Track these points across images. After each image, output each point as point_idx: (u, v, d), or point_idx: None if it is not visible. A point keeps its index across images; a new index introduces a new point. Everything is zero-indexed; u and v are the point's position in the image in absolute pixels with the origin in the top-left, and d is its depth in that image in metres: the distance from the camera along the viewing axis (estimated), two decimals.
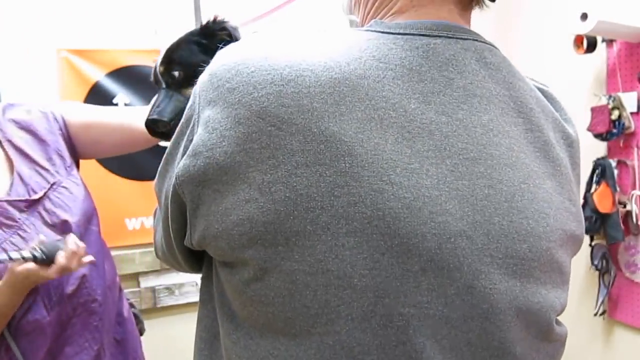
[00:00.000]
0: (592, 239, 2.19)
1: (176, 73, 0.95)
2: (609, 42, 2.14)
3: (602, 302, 2.23)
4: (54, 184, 1.09)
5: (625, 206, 2.11)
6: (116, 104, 2.15)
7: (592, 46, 2.09)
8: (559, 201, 0.53)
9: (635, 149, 2.08)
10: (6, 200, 1.03)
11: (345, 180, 0.42)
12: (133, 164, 2.11)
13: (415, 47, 0.49)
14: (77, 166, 1.21)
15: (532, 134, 0.52)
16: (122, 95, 2.15)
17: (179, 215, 0.52)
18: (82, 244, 1.04)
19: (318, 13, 2.39)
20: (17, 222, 1.03)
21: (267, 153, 0.43)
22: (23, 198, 1.04)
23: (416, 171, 0.44)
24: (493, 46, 0.55)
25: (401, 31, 0.50)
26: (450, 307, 0.45)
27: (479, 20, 2.72)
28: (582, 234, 0.57)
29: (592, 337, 2.40)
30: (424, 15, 0.53)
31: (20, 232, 1.03)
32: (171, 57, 0.96)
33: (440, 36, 0.51)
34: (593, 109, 2.14)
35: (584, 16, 1.92)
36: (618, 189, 2.10)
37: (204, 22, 0.97)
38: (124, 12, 2.17)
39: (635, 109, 2.05)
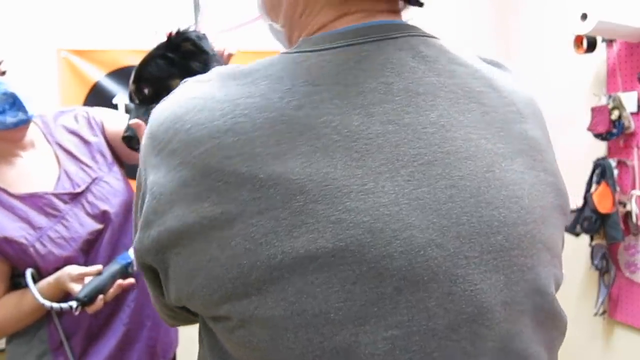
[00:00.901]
0: (592, 239, 2.19)
1: (145, 90, 0.99)
2: (609, 42, 2.14)
3: (602, 302, 2.23)
4: (95, 178, 1.22)
5: (625, 206, 2.11)
6: (116, 104, 2.15)
7: (592, 46, 2.09)
8: (533, 176, 0.51)
9: (635, 149, 2.08)
10: (52, 194, 1.15)
11: (301, 219, 0.41)
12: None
13: (347, 60, 0.47)
14: (120, 164, 1.33)
15: (489, 115, 0.50)
16: (122, 95, 2.16)
17: (154, 279, 0.51)
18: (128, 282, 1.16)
19: None
20: (60, 212, 1.15)
21: (220, 209, 0.42)
22: (67, 191, 1.17)
23: (371, 191, 0.43)
24: (428, 36, 0.53)
25: (329, 45, 0.48)
26: (434, 320, 0.43)
27: (479, 21, 2.71)
28: (566, 201, 0.56)
29: (592, 337, 2.40)
30: (352, 20, 0.51)
31: (64, 222, 1.14)
32: (140, 75, 0.98)
33: (370, 41, 0.49)
34: (593, 109, 2.14)
35: (584, 16, 1.92)
36: (618, 189, 2.10)
37: (166, 36, 0.97)
38: (124, 12, 2.17)
39: (635, 109, 2.06)
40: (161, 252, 0.46)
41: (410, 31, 0.51)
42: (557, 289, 0.55)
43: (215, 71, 0.49)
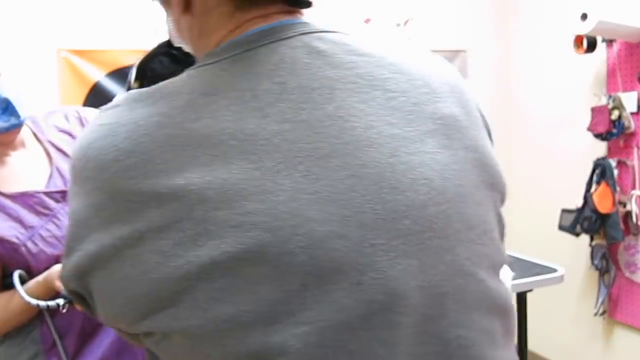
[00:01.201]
0: (592, 239, 2.19)
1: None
2: (609, 42, 2.14)
3: (602, 302, 2.23)
4: None
5: (625, 206, 2.11)
6: None
7: (592, 46, 2.09)
8: (448, 155, 0.51)
9: (635, 149, 2.08)
10: (43, 192, 1.14)
11: (204, 227, 0.42)
12: None
13: (242, 67, 0.49)
14: None
15: (396, 100, 0.51)
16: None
17: (87, 305, 0.53)
18: None
19: (317, 13, 2.39)
20: (52, 211, 1.14)
21: (130, 228, 0.44)
22: (59, 189, 1.16)
23: (269, 191, 0.44)
24: (326, 31, 0.53)
25: (225, 55, 0.50)
26: (344, 312, 0.43)
27: (479, 21, 2.72)
28: (495, 177, 0.55)
29: (592, 337, 2.40)
30: (248, 27, 0.52)
31: (55, 220, 1.14)
32: (144, 72, 0.98)
33: (264, 44, 0.50)
34: (593, 109, 2.14)
35: (584, 16, 1.92)
36: (618, 189, 2.10)
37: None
38: (124, 12, 2.17)
39: (635, 109, 2.06)
40: (83, 277, 0.48)
41: (305, 29, 0.52)
42: (499, 267, 0.54)
43: (123, 96, 0.51)
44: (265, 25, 0.52)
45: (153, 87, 0.50)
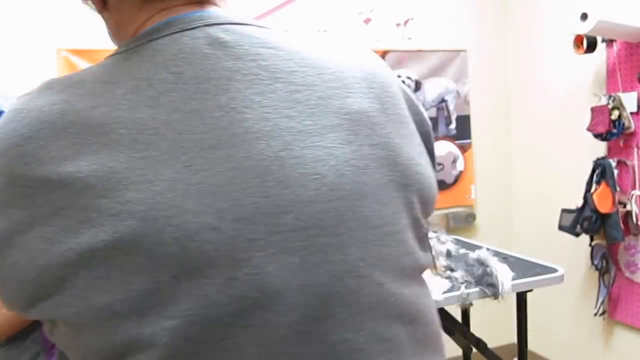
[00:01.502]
0: (592, 239, 2.19)
1: None
2: (609, 42, 2.14)
3: (602, 302, 2.23)
4: None
5: (625, 206, 2.11)
6: None
7: (592, 46, 2.09)
8: (350, 151, 0.49)
9: (635, 149, 2.09)
10: None
11: (86, 215, 0.43)
12: None
13: (143, 56, 0.49)
14: None
15: (300, 94, 0.50)
16: None
17: None
18: None
19: (317, 13, 2.39)
20: None
21: (23, 213, 0.44)
22: None
23: (149, 180, 0.43)
24: (234, 23, 0.53)
25: (132, 46, 0.51)
26: (215, 307, 0.43)
27: (479, 21, 2.73)
28: (405, 176, 0.53)
29: (592, 337, 2.40)
30: (158, 19, 0.53)
31: None
32: None
33: (167, 34, 0.50)
34: (593, 109, 2.14)
35: (584, 16, 1.92)
36: (618, 189, 2.10)
37: None
38: None
39: (635, 109, 2.06)
40: None
41: (212, 20, 0.52)
42: (410, 271, 0.52)
43: (41, 83, 0.51)
44: (173, 16, 0.52)
45: (67, 75, 0.50)
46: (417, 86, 2.55)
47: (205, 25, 0.51)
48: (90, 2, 0.57)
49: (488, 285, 1.29)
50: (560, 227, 2.22)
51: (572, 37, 2.11)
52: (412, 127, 0.57)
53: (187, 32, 0.50)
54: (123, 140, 0.45)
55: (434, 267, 1.37)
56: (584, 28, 1.93)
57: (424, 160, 0.57)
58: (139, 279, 0.42)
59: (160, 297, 0.43)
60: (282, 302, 0.44)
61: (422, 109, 0.61)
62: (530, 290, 1.41)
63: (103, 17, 0.58)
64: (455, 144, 2.67)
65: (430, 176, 0.57)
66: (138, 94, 0.47)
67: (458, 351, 2.01)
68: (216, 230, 0.43)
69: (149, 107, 0.46)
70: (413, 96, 0.61)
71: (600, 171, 2.12)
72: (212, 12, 0.53)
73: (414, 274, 0.53)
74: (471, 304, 1.49)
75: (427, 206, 0.57)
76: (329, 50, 0.56)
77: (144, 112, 0.46)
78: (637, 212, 2.06)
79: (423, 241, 0.56)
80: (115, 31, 0.57)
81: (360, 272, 0.48)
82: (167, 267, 0.42)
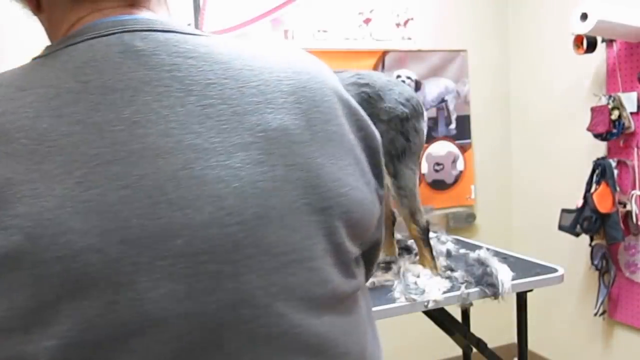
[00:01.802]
0: (592, 239, 2.20)
1: None
2: (609, 42, 2.15)
3: (602, 302, 2.23)
4: None
5: (625, 206, 2.11)
6: None
7: (592, 46, 2.09)
8: (258, 173, 0.46)
9: (635, 149, 2.09)
10: None
11: None
12: None
13: (56, 63, 0.47)
14: None
15: (213, 108, 0.47)
16: None
17: None
18: None
19: (317, 13, 2.39)
20: None
21: None
22: None
23: (41, 195, 0.42)
24: (158, 30, 0.50)
25: (52, 49, 0.49)
26: (94, 331, 0.41)
27: (479, 21, 2.72)
28: (329, 198, 0.49)
29: (592, 337, 2.40)
30: (85, 21, 0.51)
31: None
32: None
33: (83, 40, 0.48)
34: (593, 109, 2.14)
35: (584, 16, 1.93)
36: (618, 189, 2.10)
37: None
38: None
39: (635, 109, 2.06)
40: None
41: (133, 26, 0.49)
42: (325, 300, 0.49)
43: None
44: (96, 20, 0.50)
45: None
46: (417, 86, 2.55)
47: (124, 32, 0.49)
48: (25, 4, 0.55)
49: (488, 285, 1.29)
50: (560, 227, 2.22)
51: (572, 37, 2.11)
52: (348, 144, 0.54)
53: (103, 38, 0.48)
54: (24, 150, 0.43)
55: (434, 267, 1.37)
56: (584, 28, 1.93)
57: (358, 180, 0.53)
58: (23, 296, 0.41)
59: (43, 316, 0.41)
60: (165, 329, 0.43)
61: (369, 123, 0.58)
62: (530, 290, 1.41)
63: (39, 19, 0.56)
64: (455, 144, 2.67)
65: (362, 197, 0.53)
66: (45, 103, 0.45)
67: (458, 351, 2.01)
68: (100, 252, 0.41)
69: (53, 117, 0.44)
70: (359, 110, 0.57)
71: (600, 171, 2.12)
72: (139, 17, 0.51)
73: (329, 303, 0.50)
74: (471, 304, 1.49)
75: (357, 229, 0.53)
76: (261, 62, 0.52)
77: (47, 122, 0.44)
78: (637, 212, 2.06)
79: (349, 267, 0.53)
80: (50, 33, 0.55)
81: (258, 301, 0.45)
82: (50, 286, 0.41)
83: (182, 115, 0.46)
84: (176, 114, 0.46)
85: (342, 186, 0.51)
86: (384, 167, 0.61)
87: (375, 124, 1.32)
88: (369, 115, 1.30)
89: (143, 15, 0.52)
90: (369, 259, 0.70)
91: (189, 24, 0.99)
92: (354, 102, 0.57)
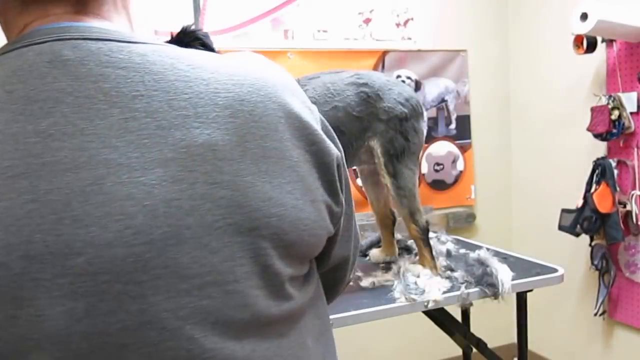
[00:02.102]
0: (592, 239, 2.19)
1: None
2: (609, 42, 2.15)
3: (602, 302, 2.23)
4: None
5: (625, 206, 2.11)
6: None
7: (592, 46, 2.09)
8: (175, 190, 0.45)
9: (635, 149, 2.09)
10: None
11: None
12: None
13: None
14: None
15: (136, 121, 0.46)
16: None
17: None
18: None
19: (317, 13, 2.39)
20: None
21: None
22: None
23: None
24: (91, 38, 0.49)
25: None
26: None
27: (479, 21, 2.71)
28: (257, 219, 0.47)
29: (592, 337, 2.40)
30: (31, 27, 0.50)
31: None
32: None
33: (16, 49, 0.47)
34: (593, 109, 2.14)
35: (584, 16, 1.93)
36: (618, 189, 2.10)
37: (173, 34, 0.97)
38: None
39: (635, 109, 2.06)
40: None
41: (67, 34, 0.48)
42: (234, 325, 0.48)
43: None
44: (38, 27, 0.49)
45: None
46: (417, 86, 2.55)
47: (56, 40, 0.47)
48: None
49: (488, 285, 1.28)
50: (560, 227, 2.22)
51: (572, 37, 2.11)
52: (289, 161, 0.51)
53: (35, 46, 0.47)
54: None
55: (433, 267, 1.37)
56: (584, 28, 1.93)
57: (299, 198, 0.51)
58: None
59: None
60: (64, 347, 0.42)
61: (322, 138, 0.54)
62: (530, 290, 1.41)
63: None
64: (455, 144, 2.67)
65: (302, 217, 0.51)
66: None
67: (458, 351, 2.01)
68: (3, 266, 0.41)
69: None
70: (310, 124, 0.54)
71: (600, 171, 2.12)
72: (79, 25, 0.50)
73: (252, 327, 0.48)
74: (471, 304, 1.48)
75: (294, 250, 0.51)
76: (199, 72, 0.50)
77: None
78: (637, 212, 2.06)
79: (281, 288, 0.51)
80: (8, 38, 0.54)
81: (165, 324, 0.44)
82: None
83: (101, 129, 0.45)
84: (95, 127, 0.45)
85: (274, 206, 0.49)
86: (343, 182, 0.58)
87: (374, 123, 1.33)
88: (368, 115, 1.31)
89: (86, 23, 0.51)
90: (337, 278, 0.69)
91: (191, 25, 0.99)
92: (306, 116, 0.54)
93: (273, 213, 0.48)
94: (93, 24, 0.51)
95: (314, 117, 0.56)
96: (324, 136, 0.55)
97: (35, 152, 0.43)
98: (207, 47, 0.96)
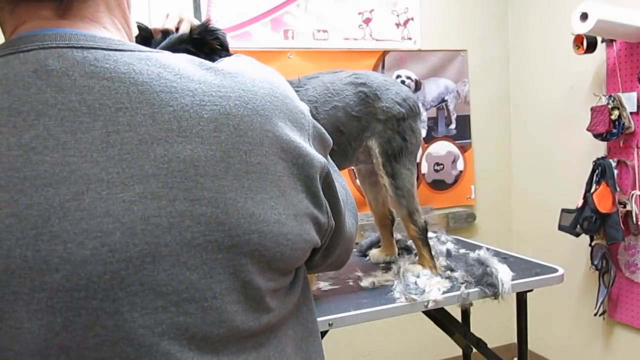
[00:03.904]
0: (592, 239, 2.19)
1: None
2: (609, 42, 2.14)
3: (602, 302, 2.23)
4: None
5: (625, 206, 2.11)
6: None
7: (592, 46, 2.09)
8: (154, 207, 0.44)
9: (635, 149, 2.08)
10: None
11: None
12: None
13: None
14: None
15: (118, 135, 0.45)
16: None
17: None
18: None
19: (318, 13, 2.39)
20: None
21: None
22: None
23: None
24: (77, 47, 0.48)
25: None
26: None
27: (479, 21, 2.71)
28: (237, 236, 0.47)
29: (592, 337, 2.40)
30: (20, 31, 0.49)
31: None
32: None
33: (2, 56, 0.47)
34: (593, 109, 2.14)
35: (584, 16, 1.92)
36: (618, 189, 2.10)
37: (195, 28, 0.96)
38: None
39: (635, 109, 2.06)
40: None
41: (53, 42, 0.47)
42: (210, 340, 0.48)
43: None
44: (25, 32, 0.49)
45: None
46: (417, 86, 2.55)
47: (41, 48, 0.47)
48: None
49: (488, 285, 1.28)
50: (560, 227, 2.22)
51: (572, 37, 2.11)
52: (273, 175, 0.50)
53: (21, 54, 0.46)
54: None
55: (433, 267, 1.37)
56: (584, 28, 1.93)
57: (282, 213, 0.50)
58: None
59: None
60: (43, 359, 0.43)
61: (307, 150, 0.54)
62: (530, 290, 1.41)
63: None
64: (455, 144, 2.67)
65: (284, 232, 0.50)
66: None
67: (458, 351, 2.01)
68: None
69: None
70: (297, 136, 0.53)
71: (600, 171, 2.11)
72: (65, 31, 0.49)
73: (229, 341, 0.49)
74: (471, 304, 1.49)
75: (276, 264, 0.51)
76: (185, 83, 0.49)
77: None
78: (637, 212, 2.06)
79: (261, 302, 0.51)
80: (4, 36, 0.54)
81: (141, 340, 0.44)
82: None
83: (83, 142, 0.44)
84: (77, 141, 0.44)
85: (256, 222, 0.48)
86: (327, 192, 0.58)
87: (372, 123, 1.33)
88: (366, 114, 1.31)
89: (74, 29, 0.50)
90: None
91: (212, 22, 0.97)
92: (292, 128, 0.54)
93: (254, 230, 0.48)
94: (80, 30, 0.50)
95: (302, 126, 0.56)
96: (310, 148, 0.55)
97: (17, 165, 0.43)
98: (223, 47, 0.96)
